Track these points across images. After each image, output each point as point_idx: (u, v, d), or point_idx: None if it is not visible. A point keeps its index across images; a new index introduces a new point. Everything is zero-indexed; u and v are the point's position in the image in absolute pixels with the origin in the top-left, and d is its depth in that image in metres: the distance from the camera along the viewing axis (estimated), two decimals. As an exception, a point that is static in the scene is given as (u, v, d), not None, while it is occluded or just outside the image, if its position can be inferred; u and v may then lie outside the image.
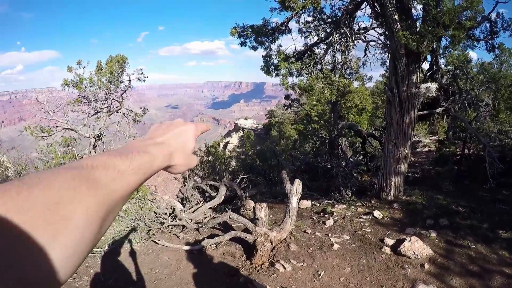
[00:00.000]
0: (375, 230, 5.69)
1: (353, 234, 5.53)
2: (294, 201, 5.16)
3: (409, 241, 4.87)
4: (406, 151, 7.31)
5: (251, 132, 33.25)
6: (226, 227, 5.86)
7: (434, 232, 5.53)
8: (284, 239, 5.17)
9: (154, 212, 6.11)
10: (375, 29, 8.65)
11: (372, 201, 7.32)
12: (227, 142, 38.57)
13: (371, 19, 8.52)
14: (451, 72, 9.20)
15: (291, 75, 8.09)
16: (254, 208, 5.08)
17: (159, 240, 5.43)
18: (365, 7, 7.94)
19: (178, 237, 5.75)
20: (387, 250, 4.95)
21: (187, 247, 5.20)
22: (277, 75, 8.14)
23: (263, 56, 8.24)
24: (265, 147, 16.25)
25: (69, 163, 0.43)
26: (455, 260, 4.65)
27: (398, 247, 4.84)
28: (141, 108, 9.43)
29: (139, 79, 8.87)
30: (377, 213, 6.29)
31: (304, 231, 5.67)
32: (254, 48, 8.10)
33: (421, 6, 6.67)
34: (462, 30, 6.25)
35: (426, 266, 4.53)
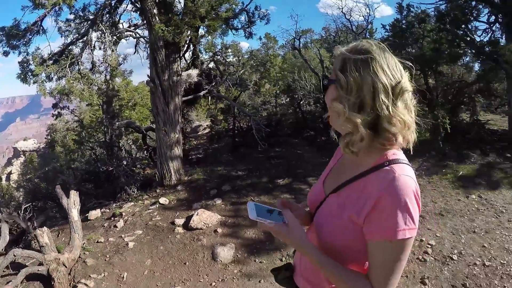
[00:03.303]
0: (165, 216, 5.84)
1: (145, 227, 5.52)
2: (75, 214, 4.85)
3: (197, 214, 5.26)
4: (177, 135, 7.77)
5: (34, 154, 27.31)
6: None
7: (219, 199, 6.20)
8: (79, 256, 4.76)
9: None
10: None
11: (158, 190, 7.43)
12: (10, 172, 30.45)
13: (131, 14, 8.44)
14: (211, 58, 10.32)
15: (50, 79, 7.37)
16: (35, 235, 4.50)
17: None
18: (128, 3, 7.89)
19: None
20: (180, 229, 5.20)
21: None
22: (35, 82, 7.29)
23: (19, 62, 7.44)
24: (50, 167, 14.05)
25: None
26: (243, 216, 5.39)
27: (189, 223, 5.15)
28: None
29: None
30: (163, 200, 6.47)
31: (97, 241, 5.30)
32: (6, 53, 7.31)
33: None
34: (218, 21, 7.21)
35: (219, 230, 5.06)
